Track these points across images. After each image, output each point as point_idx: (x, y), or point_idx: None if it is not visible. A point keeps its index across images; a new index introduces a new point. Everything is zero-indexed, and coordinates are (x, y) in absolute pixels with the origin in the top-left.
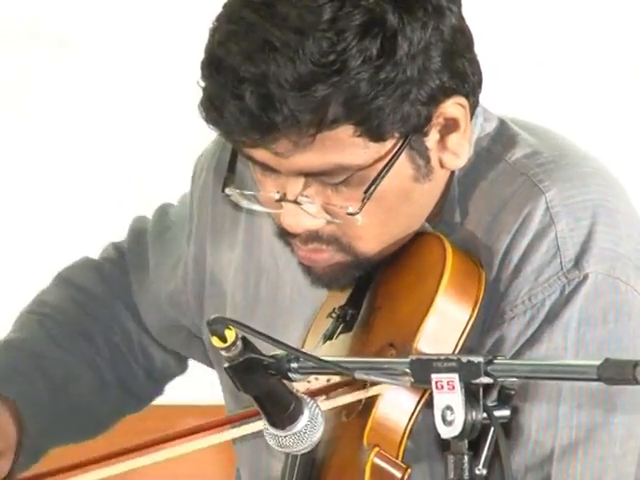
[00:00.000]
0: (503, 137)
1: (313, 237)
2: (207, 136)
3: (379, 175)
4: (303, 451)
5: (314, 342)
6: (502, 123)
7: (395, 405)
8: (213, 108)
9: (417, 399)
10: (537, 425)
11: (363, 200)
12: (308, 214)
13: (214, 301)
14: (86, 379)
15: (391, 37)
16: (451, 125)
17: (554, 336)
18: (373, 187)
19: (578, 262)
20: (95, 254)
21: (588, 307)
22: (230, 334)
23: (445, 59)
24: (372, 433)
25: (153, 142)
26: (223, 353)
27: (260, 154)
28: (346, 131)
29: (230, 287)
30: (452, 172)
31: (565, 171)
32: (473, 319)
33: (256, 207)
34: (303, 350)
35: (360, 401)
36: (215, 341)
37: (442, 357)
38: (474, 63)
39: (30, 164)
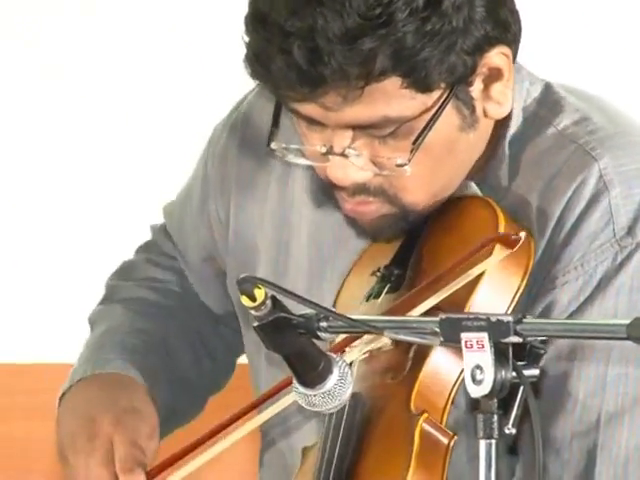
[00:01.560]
0: (549, 101)
1: (360, 189)
2: (205, 135)
3: (427, 126)
4: (333, 410)
5: (353, 300)
6: (547, 86)
7: (440, 369)
8: (259, 63)
9: (461, 364)
10: (585, 391)
11: (412, 151)
12: (355, 167)
13: (238, 256)
14: (182, 351)
15: None
16: (495, 74)
17: (605, 302)
18: (421, 138)
19: (631, 230)
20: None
21: (639, 275)
22: (259, 293)
23: (488, 8)
24: (419, 397)
25: (153, 142)
26: (252, 312)
27: (308, 108)
28: (394, 83)
29: (266, 241)
30: (501, 133)
31: (616, 139)
32: (523, 287)
33: (301, 161)
34: (332, 309)
35: (406, 363)
36: (245, 300)
37: (471, 316)
38: (514, 12)
39: (28, 164)
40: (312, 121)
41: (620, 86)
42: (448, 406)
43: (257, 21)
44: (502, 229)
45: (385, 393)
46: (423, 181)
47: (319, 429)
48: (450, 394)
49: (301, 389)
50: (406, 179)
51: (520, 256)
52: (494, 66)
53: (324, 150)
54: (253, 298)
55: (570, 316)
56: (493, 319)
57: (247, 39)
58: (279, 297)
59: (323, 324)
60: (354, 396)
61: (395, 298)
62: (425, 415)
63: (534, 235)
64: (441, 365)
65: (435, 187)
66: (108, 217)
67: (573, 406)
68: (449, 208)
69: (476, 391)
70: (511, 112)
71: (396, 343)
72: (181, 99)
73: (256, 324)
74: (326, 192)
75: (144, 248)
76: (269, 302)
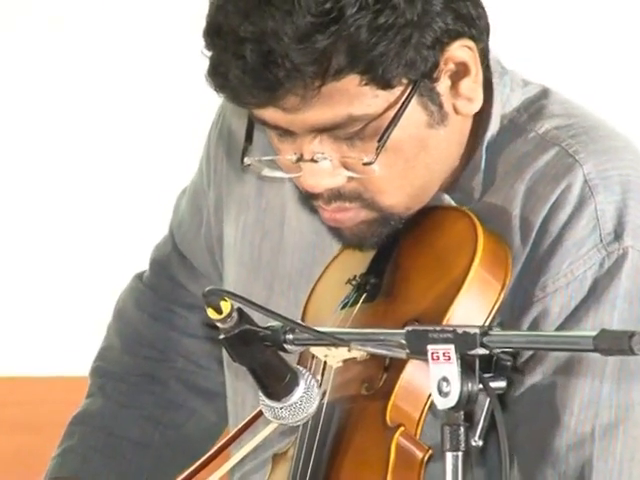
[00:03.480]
0: (530, 108)
1: (335, 196)
2: (203, 135)
3: (391, 123)
4: (299, 423)
5: (326, 308)
6: (528, 93)
7: (416, 382)
8: (218, 74)
9: None
10: (579, 404)
11: (377, 149)
12: (327, 172)
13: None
14: (178, 418)
15: None
16: (462, 70)
17: (600, 313)
18: (386, 135)
19: (617, 235)
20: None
21: (629, 284)
22: (226, 305)
23: (447, 2)
24: (394, 410)
25: (154, 142)
26: (219, 325)
27: (270, 114)
28: (352, 81)
29: (239, 245)
30: (477, 139)
31: (599, 144)
32: (500, 300)
33: (278, 174)
34: (298, 321)
35: (381, 374)
36: (211, 313)
37: (438, 328)
38: (479, 8)
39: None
40: (281, 132)
41: (613, 91)
42: (423, 418)
43: (213, 32)
44: (481, 240)
45: (360, 404)
46: (397, 182)
47: (288, 435)
48: (425, 406)
49: (267, 402)
50: (380, 181)
51: (498, 269)
52: (459, 61)
53: (294, 158)
54: (219, 311)
55: (563, 324)
56: (459, 331)
57: (207, 53)
58: (245, 309)
59: (289, 336)
60: (329, 406)
61: (371, 307)
62: (401, 429)
63: (516, 243)
64: (416, 377)
65: (411, 187)
66: (106, 222)
67: (569, 419)
68: (427, 217)
69: (442, 403)
70: (489, 118)
71: (371, 354)
72: (177, 98)
73: (222, 337)
74: (308, 204)
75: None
76: (235, 314)
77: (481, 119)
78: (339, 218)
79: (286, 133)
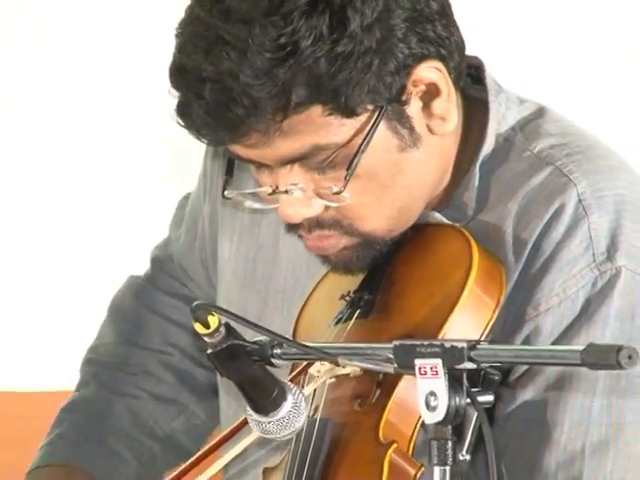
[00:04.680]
0: (525, 126)
1: (315, 224)
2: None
3: (358, 150)
4: (287, 437)
5: (318, 323)
6: (524, 111)
7: (409, 398)
8: (182, 112)
9: None
10: (570, 421)
11: (346, 177)
12: (302, 202)
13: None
14: (165, 415)
15: (339, 11)
16: (433, 91)
17: (591, 332)
18: (354, 164)
19: (610, 255)
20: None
21: (621, 303)
22: (213, 320)
23: (410, 25)
24: (387, 426)
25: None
26: (206, 339)
27: (239, 150)
28: (315, 111)
29: (234, 258)
30: (471, 157)
31: (593, 163)
32: (494, 318)
33: (258, 205)
34: (285, 336)
35: (374, 391)
36: (198, 327)
37: (425, 342)
38: (450, 27)
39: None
40: (254, 162)
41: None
42: (415, 435)
43: (177, 72)
44: (475, 258)
45: (353, 420)
46: (375, 207)
47: (280, 450)
48: (417, 423)
49: (255, 416)
50: (357, 208)
51: (492, 287)
52: (428, 82)
53: (270, 190)
54: (207, 325)
55: (555, 342)
56: (447, 345)
57: (174, 93)
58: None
59: (277, 351)
60: (322, 421)
61: (365, 323)
62: (394, 445)
63: (509, 261)
64: (410, 394)
65: (391, 210)
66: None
67: (559, 436)
68: (422, 234)
69: (430, 417)
70: (484, 136)
71: (364, 370)
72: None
73: (210, 351)
74: (292, 232)
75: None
76: (223, 329)
77: (476, 137)
78: (322, 246)
79: (262, 165)
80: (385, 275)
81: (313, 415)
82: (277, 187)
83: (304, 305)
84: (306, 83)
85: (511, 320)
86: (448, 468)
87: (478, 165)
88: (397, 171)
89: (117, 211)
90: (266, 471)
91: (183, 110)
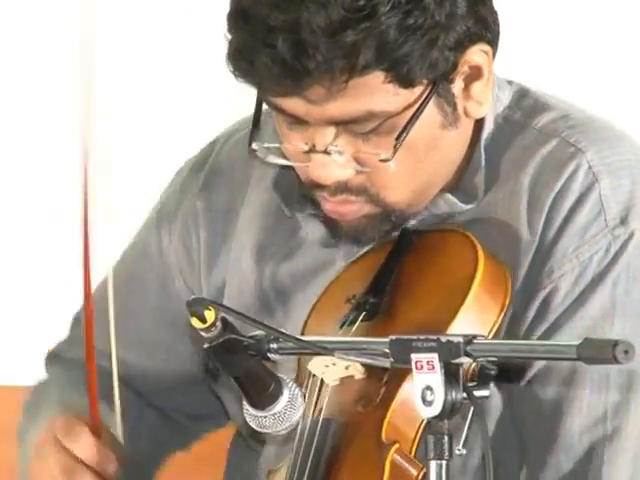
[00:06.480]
0: (523, 105)
1: (342, 188)
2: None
3: (410, 121)
4: (283, 432)
5: (324, 326)
6: (519, 91)
7: (413, 401)
8: (243, 59)
9: None
10: (591, 388)
11: (395, 146)
12: (337, 164)
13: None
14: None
15: None
16: (475, 73)
17: (604, 293)
18: (405, 133)
19: (623, 220)
20: None
21: (635, 264)
22: (210, 315)
23: (470, 5)
24: (390, 427)
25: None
26: (203, 334)
27: (291, 104)
28: (377, 77)
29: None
30: (475, 139)
31: (597, 133)
32: (500, 321)
33: (281, 161)
34: (281, 330)
35: (378, 392)
36: (195, 322)
37: (422, 337)
38: (494, 12)
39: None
40: (294, 121)
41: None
42: (418, 437)
43: (240, 17)
44: (481, 265)
45: (356, 420)
46: (405, 179)
47: (280, 453)
48: (421, 425)
49: (251, 410)
50: (388, 177)
51: (497, 291)
52: (474, 64)
53: (306, 148)
54: (203, 320)
55: (569, 307)
56: (443, 340)
57: (230, 36)
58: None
59: (273, 345)
60: (325, 421)
61: (370, 326)
62: (396, 446)
63: (525, 235)
64: (413, 396)
65: (416, 185)
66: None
67: (579, 404)
68: (429, 239)
69: (426, 412)
70: (483, 118)
71: (369, 372)
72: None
73: (206, 346)
74: (309, 193)
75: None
76: (219, 324)
77: (477, 120)
78: (342, 211)
79: (299, 122)
80: (391, 279)
81: (317, 416)
82: (314, 146)
83: (312, 309)
84: (375, 48)
85: (528, 291)
86: (444, 462)
87: (482, 146)
88: (433, 147)
89: (117, 211)
90: (270, 473)
91: (243, 55)
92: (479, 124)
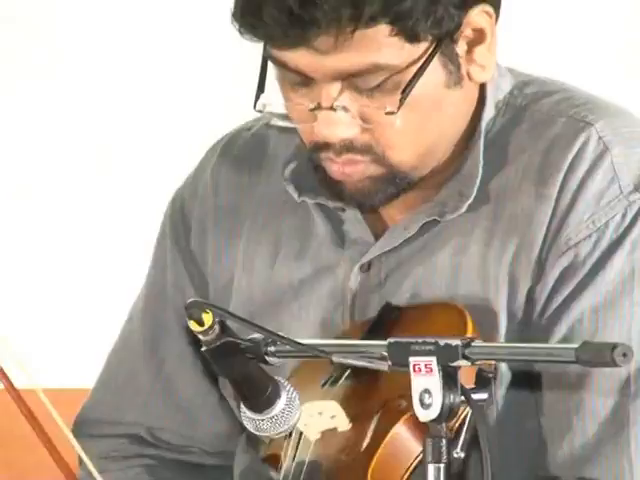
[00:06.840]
0: (523, 89)
1: (347, 147)
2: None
3: (415, 75)
4: (281, 435)
5: (307, 384)
6: (518, 77)
7: (400, 447)
8: (250, 13)
9: (420, 445)
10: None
11: (400, 100)
12: (343, 121)
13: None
14: None
15: None
16: (477, 37)
17: (622, 260)
18: (410, 87)
19: (637, 186)
20: None
21: None
22: (207, 317)
23: None
24: (376, 472)
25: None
26: (200, 337)
27: (297, 57)
28: (382, 30)
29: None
30: (477, 124)
31: (603, 109)
32: None
33: (287, 123)
34: (279, 333)
35: (362, 442)
36: (192, 325)
37: (420, 340)
38: None
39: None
40: (299, 81)
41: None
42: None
43: None
44: (469, 329)
45: (341, 466)
46: (410, 137)
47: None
48: (408, 470)
49: (249, 414)
50: (393, 135)
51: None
52: (477, 27)
53: (312, 106)
54: (201, 323)
55: (589, 272)
56: (441, 343)
57: None
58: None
59: (271, 348)
60: (310, 464)
61: (354, 384)
62: None
63: (538, 212)
64: (402, 443)
65: (421, 146)
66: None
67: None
68: (419, 311)
69: (424, 415)
70: (484, 103)
71: (353, 425)
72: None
73: (204, 349)
74: (315, 155)
75: None
76: (217, 326)
77: (478, 104)
78: (347, 171)
79: (303, 82)
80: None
81: (300, 470)
82: (319, 104)
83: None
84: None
85: (545, 261)
86: (442, 466)
87: (483, 130)
88: (437, 107)
89: (137, 214)
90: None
91: (250, 9)
92: (478, 108)
